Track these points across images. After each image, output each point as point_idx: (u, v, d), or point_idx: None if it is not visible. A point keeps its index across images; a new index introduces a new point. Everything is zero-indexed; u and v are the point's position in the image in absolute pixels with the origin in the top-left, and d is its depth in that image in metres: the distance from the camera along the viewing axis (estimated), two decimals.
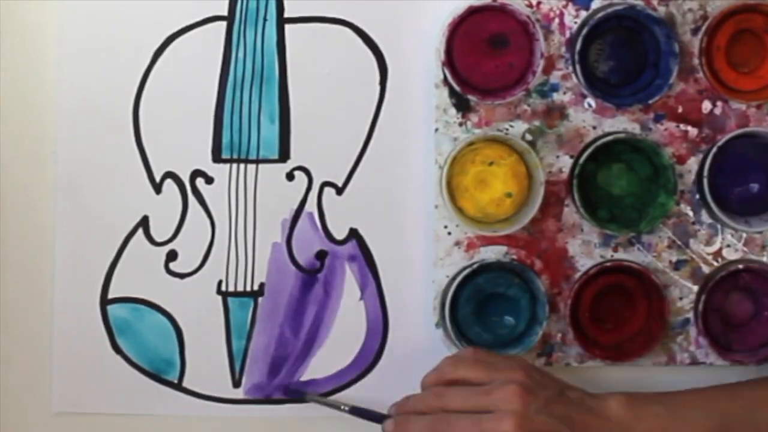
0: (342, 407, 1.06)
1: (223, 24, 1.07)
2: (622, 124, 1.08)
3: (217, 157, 1.08)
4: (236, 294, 1.08)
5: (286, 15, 1.07)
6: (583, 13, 1.07)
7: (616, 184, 1.08)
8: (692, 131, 1.08)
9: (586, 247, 1.08)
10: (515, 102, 1.07)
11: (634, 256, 1.08)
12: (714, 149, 1.07)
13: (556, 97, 1.08)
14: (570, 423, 0.97)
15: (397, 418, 1.00)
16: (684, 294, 1.09)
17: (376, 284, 1.09)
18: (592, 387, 1.09)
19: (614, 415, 0.99)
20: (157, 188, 1.07)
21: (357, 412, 1.05)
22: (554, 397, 0.98)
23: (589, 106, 1.08)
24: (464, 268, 1.07)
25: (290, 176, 1.08)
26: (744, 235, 1.09)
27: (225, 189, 1.08)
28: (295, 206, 1.08)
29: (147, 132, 1.07)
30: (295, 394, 1.08)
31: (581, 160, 1.07)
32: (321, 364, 1.09)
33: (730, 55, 1.08)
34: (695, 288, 1.09)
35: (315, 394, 1.08)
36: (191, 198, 1.08)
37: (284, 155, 1.08)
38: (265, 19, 1.07)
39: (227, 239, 1.08)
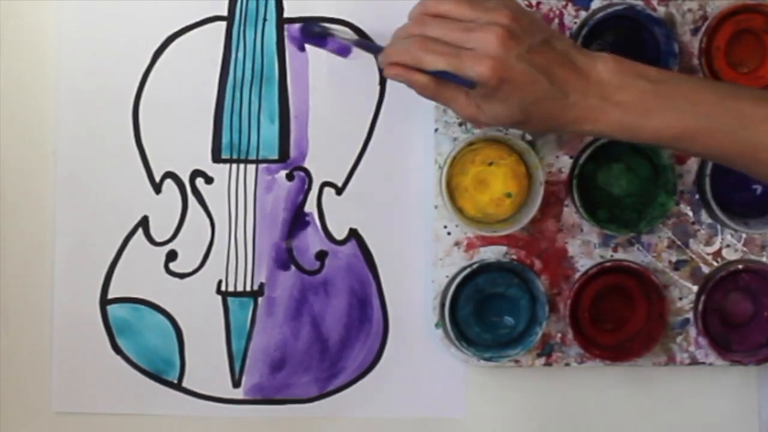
0: (347, 35, 1.05)
1: (223, 24, 1.07)
2: None
3: (217, 157, 1.08)
4: (236, 294, 1.08)
5: (286, 15, 1.07)
6: (583, 13, 1.07)
7: (616, 185, 1.08)
8: None
9: (585, 247, 1.08)
10: None
11: (633, 256, 1.08)
12: None
13: None
14: (549, 75, 0.91)
15: (385, 47, 0.95)
16: (684, 294, 1.09)
17: (376, 284, 1.09)
18: (592, 387, 1.09)
19: (597, 77, 0.92)
20: (157, 188, 1.07)
21: (359, 43, 1.04)
22: (538, 45, 0.92)
23: None
24: (464, 268, 1.07)
25: (290, 176, 1.08)
26: (744, 235, 1.09)
27: (225, 189, 1.08)
28: (295, 206, 1.08)
29: (147, 132, 1.07)
30: (314, 31, 1.07)
31: (581, 160, 1.07)
32: (321, 364, 1.09)
33: (730, 55, 1.08)
34: (695, 288, 1.09)
35: (327, 28, 1.07)
36: (191, 198, 1.08)
37: (284, 155, 1.08)
38: (264, 20, 1.07)
39: (227, 239, 1.08)
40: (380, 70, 1.00)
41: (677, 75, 1.01)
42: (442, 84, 0.92)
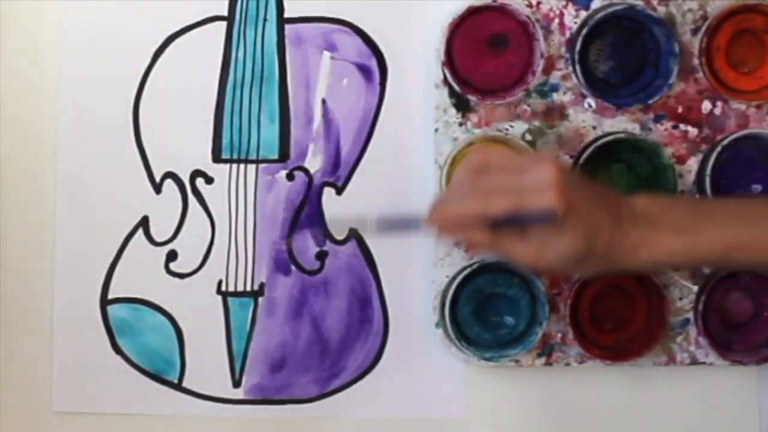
0: (369, 224, 0.99)
1: (223, 24, 1.07)
2: (622, 124, 1.08)
3: (217, 157, 1.08)
4: (236, 294, 1.08)
5: (286, 15, 1.07)
6: (583, 13, 1.07)
7: (616, 184, 1.08)
8: (692, 131, 1.08)
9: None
10: (515, 102, 1.07)
11: None
12: (718, 148, 1.07)
13: (556, 97, 1.08)
14: (603, 204, 0.92)
15: (433, 208, 0.94)
16: (684, 294, 1.09)
17: (376, 284, 1.09)
18: (592, 387, 1.09)
19: (639, 209, 0.93)
20: (157, 188, 1.08)
21: (385, 223, 0.98)
22: (584, 180, 0.95)
23: (589, 106, 1.08)
24: (464, 268, 1.07)
25: (290, 176, 1.08)
26: None
27: (225, 189, 1.08)
28: (295, 206, 1.08)
29: (147, 132, 1.07)
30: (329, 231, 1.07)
31: (581, 160, 1.07)
32: (321, 364, 1.09)
33: (730, 55, 1.08)
34: (695, 288, 1.09)
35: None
36: (191, 198, 1.08)
37: (284, 155, 1.08)
38: (265, 20, 1.07)
39: (227, 239, 1.08)
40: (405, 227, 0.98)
41: (708, 199, 1.04)
42: (497, 236, 0.91)
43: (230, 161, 1.08)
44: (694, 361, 1.09)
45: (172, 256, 1.08)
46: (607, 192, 0.95)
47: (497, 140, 1.07)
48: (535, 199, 0.89)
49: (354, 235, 1.08)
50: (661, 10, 1.07)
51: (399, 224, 0.97)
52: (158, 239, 1.08)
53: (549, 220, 0.89)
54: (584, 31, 1.06)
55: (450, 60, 1.06)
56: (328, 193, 1.09)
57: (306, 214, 1.08)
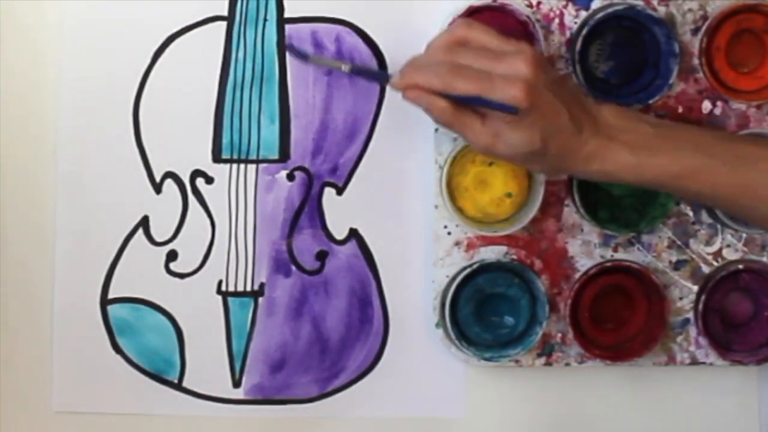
0: (342, 67, 1.03)
1: (223, 24, 1.07)
2: None
3: (217, 157, 1.08)
4: (236, 294, 1.08)
5: (286, 15, 1.07)
6: (583, 13, 1.07)
7: (616, 185, 1.08)
8: None
9: (586, 247, 1.08)
10: None
11: (634, 256, 1.08)
12: None
13: None
14: (568, 108, 0.95)
15: (403, 70, 0.97)
16: (684, 294, 1.09)
17: (376, 284, 1.09)
18: (592, 387, 1.09)
19: (604, 119, 0.97)
20: (157, 188, 1.08)
21: (357, 71, 1.03)
22: (559, 80, 0.97)
23: None
24: (464, 268, 1.07)
25: (290, 176, 1.08)
26: (744, 235, 1.09)
27: (225, 189, 1.08)
28: (295, 206, 1.08)
29: (147, 132, 1.07)
30: (298, 53, 1.05)
31: None
32: (321, 364, 1.09)
33: (730, 55, 1.08)
34: (695, 288, 1.09)
35: (318, 56, 1.06)
36: (191, 198, 1.08)
37: (284, 155, 1.08)
38: (265, 20, 1.07)
39: (227, 239, 1.08)
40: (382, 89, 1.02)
41: (675, 123, 1.04)
42: (459, 111, 0.94)
43: (230, 161, 1.08)
44: (694, 361, 1.09)
45: (172, 256, 1.08)
46: (577, 95, 0.97)
47: None
48: (501, 90, 0.92)
49: (354, 235, 1.08)
50: (661, 10, 1.07)
51: (370, 74, 1.03)
52: (158, 239, 1.08)
53: (509, 112, 0.92)
54: (584, 31, 1.06)
55: None
56: (329, 193, 1.09)
57: (306, 214, 1.08)
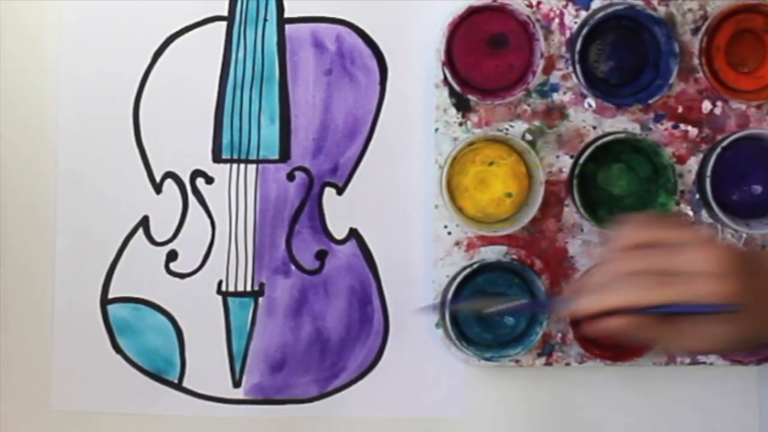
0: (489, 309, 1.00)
1: (223, 24, 1.07)
2: (622, 124, 1.08)
3: (217, 157, 1.08)
4: (236, 294, 1.08)
5: (286, 15, 1.07)
6: (583, 13, 1.07)
7: (616, 184, 1.08)
8: (692, 131, 1.08)
9: (586, 247, 1.08)
10: (515, 102, 1.07)
11: None
12: (718, 149, 1.06)
13: (556, 97, 1.08)
14: (756, 288, 0.81)
15: (582, 298, 0.83)
16: None
17: (376, 284, 1.09)
18: (592, 387, 1.09)
19: None
20: (158, 188, 1.08)
21: (524, 308, 0.99)
22: (745, 256, 0.83)
23: (589, 106, 1.08)
24: (464, 268, 1.07)
25: (290, 176, 1.08)
26: (744, 235, 1.09)
27: (225, 189, 1.08)
28: (295, 206, 1.08)
29: (147, 132, 1.07)
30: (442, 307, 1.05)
31: (581, 160, 1.07)
32: (321, 364, 1.09)
33: (730, 55, 1.08)
34: None
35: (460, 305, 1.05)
36: (191, 198, 1.08)
37: (284, 155, 1.08)
38: (265, 20, 1.07)
39: (227, 239, 1.08)
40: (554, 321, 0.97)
41: None
42: (663, 320, 0.81)
43: (230, 161, 1.08)
44: (694, 361, 1.09)
45: (172, 256, 1.08)
46: (759, 274, 0.83)
47: (497, 140, 1.07)
48: (700, 289, 0.79)
49: (354, 235, 1.08)
50: (661, 10, 1.07)
51: (522, 310, 1.02)
52: (158, 239, 1.08)
53: (727, 312, 0.80)
54: (584, 31, 1.06)
55: (450, 60, 1.06)
56: (329, 193, 1.09)
57: (306, 214, 1.08)
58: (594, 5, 1.07)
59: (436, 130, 1.07)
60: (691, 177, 1.08)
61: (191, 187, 1.08)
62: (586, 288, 0.84)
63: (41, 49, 1.07)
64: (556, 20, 1.07)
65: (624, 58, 1.09)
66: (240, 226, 1.08)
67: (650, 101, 1.07)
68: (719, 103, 1.08)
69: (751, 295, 0.80)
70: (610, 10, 1.06)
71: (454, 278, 1.07)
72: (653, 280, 0.80)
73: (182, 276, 1.08)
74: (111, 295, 1.08)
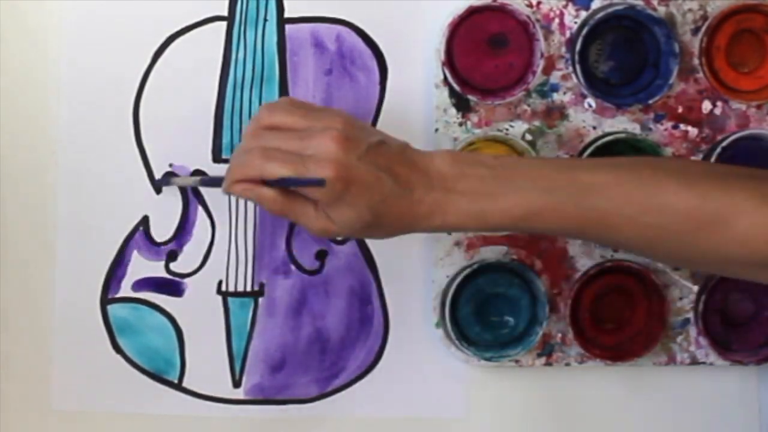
0: (192, 182, 1.05)
1: (223, 24, 1.07)
2: (622, 124, 1.08)
3: (217, 158, 1.08)
4: (236, 294, 1.08)
5: (286, 15, 1.07)
6: (583, 13, 1.07)
7: None
8: (692, 131, 1.08)
9: (586, 247, 1.08)
10: (515, 102, 1.07)
11: (634, 256, 1.08)
12: (718, 149, 1.07)
13: (556, 97, 1.08)
14: (391, 172, 0.92)
15: (227, 175, 0.95)
16: (684, 294, 1.09)
17: (376, 284, 1.09)
18: (592, 387, 1.09)
19: (437, 171, 0.93)
20: (158, 188, 1.08)
21: (205, 182, 1.04)
22: (375, 146, 0.93)
23: (589, 106, 1.08)
24: (464, 268, 1.07)
25: None
26: None
27: None
28: None
29: (147, 132, 1.07)
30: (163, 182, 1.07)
31: None
32: (321, 364, 1.09)
33: (730, 55, 1.08)
34: (695, 288, 1.09)
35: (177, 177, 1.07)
36: (191, 198, 1.08)
37: None
38: (265, 20, 1.07)
39: (227, 239, 1.08)
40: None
41: (515, 158, 1.02)
42: (290, 198, 0.93)
43: None
44: (694, 361, 1.09)
45: (172, 256, 1.08)
46: (400, 154, 0.94)
47: (497, 140, 1.07)
48: (312, 170, 0.90)
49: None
50: (661, 10, 1.07)
51: (212, 182, 1.03)
52: (158, 239, 1.08)
53: (318, 185, 0.90)
54: (584, 31, 1.06)
55: (450, 60, 1.06)
56: None
57: None
58: (594, 5, 1.07)
59: (436, 130, 1.07)
60: None
61: (191, 186, 1.08)
62: (231, 161, 0.95)
63: (41, 50, 1.06)
64: (556, 20, 1.07)
65: (624, 58, 1.09)
66: (240, 226, 1.08)
67: (650, 101, 1.07)
68: (719, 103, 1.08)
69: (361, 183, 0.91)
70: (610, 10, 1.06)
71: (454, 278, 1.07)
72: (278, 157, 0.91)
73: (182, 276, 1.08)
74: (111, 295, 1.08)
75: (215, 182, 0.99)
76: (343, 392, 1.09)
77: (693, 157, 1.08)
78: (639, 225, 0.92)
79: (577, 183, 0.93)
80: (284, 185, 0.92)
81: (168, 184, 1.06)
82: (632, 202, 0.92)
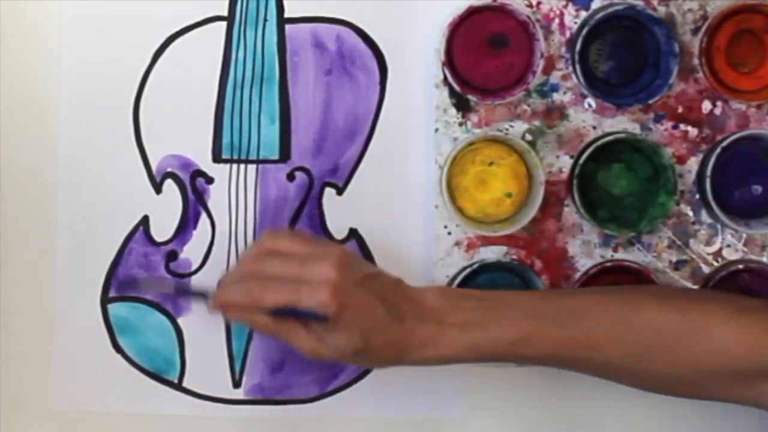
0: (166, 287, 1.06)
1: (223, 24, 1.07)
2: (622, 124, 1.08)
3: (217, 158, 1.08)
4: None
5: (286, 15, 1.07)
6: (583, 13, 1.07)
7: (616, 184, 1.08)
8: (692, 131, 1.08)
9: (586, 247, 1.08)
10: (515, 102, 1.07)
11: (634, 256, 1.08)
12: (718, 149, 1.07)
13: (556, 97, 1.08)
14: (384, 301, 0.95)
15: (216, 291, 0.99)
16: None
17: None
18: (592, 387, 1.09)
19: (429, 304, 0.97)
20: (158, 188, 1.08)
21: (181, 291, 1.05)
22: (372, 276, 0.96)
23: (589, 106, 1.08)
24: (464, 268, 1.07)
25: (290, 176, 1.08)
26: (744, 235, 1.09)
27: (225, 189, 1.08)
28: (295, 206, 1.08)
29: (147, 132, 1.07)
30: (127, 285, 1.07)
31: (581, 160, 1.07)
32: (321, 365, 1.09)
33: (730, 55, 1.08)
34: (695, 288, 1.09)
35: (145, 278, 1.07)
36: (191, 198, 1.08)
37: (284, 155, 1.08)
38: (265, 20, 1.07)
39: (227, 239, 1.08)
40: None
41: (499, 291, 1.04)
42: (281, 321, 0.95)
43: (230, 161, 1.08)
44: None
45: (172, 256, 1.08)
46: (394, 286, 0.97)
47: (497, 140, 1.07)
48: (309, 296, 0.93)
49: (354, 235, 1.08)
50: (661, 10, 1.07)
51: (191, 294, 1.05)
52: (158, 239, 1.08)
53: (320, 320, 0.93)
54: (584, 31, 1.06)
55: (450, 60, 1.07)
56: (329, 193, 1.09)
57: (306, 214, 1.08)
58: (594, 5, 1.07)
59: (436, 130, 1.07)
60: (691, 177, 1.08)
61: (191, 187, 1.08)
62: (223, 281, 0.99)
63: (41, 50, 1.07)
64: (556, 20, 1.07)
65: (624, 58, 1.09)
66: (240, 227, 1.08)
67: (650, 101, 1.07)
68: (719, 103, 1.08)
69: (355, 310, 0.93)
70: (610, 10, 1.06)
71: (454, 278, 1.07)
72: (275, 286, 0.93)
73: (182, 276, 1.08)
74: (111, 295, 1.08)
75: (196, 294, 1.01)
76: (343, 392, 1.09)
77: (693, 158, 1.08)
78: (623, 343, 0.97)
79: (562, 308, 0.98)
80: (286, 314, 0.94)
81: (135, 287, 1.07)
82: (615, 321, 0.97)
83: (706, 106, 1.08)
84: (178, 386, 1.08)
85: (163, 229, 1.08)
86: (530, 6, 1.07)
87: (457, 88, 1.06)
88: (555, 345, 0.97)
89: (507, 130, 1.07)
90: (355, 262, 0.97)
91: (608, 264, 1.08)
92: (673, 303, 0.99)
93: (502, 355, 0.98)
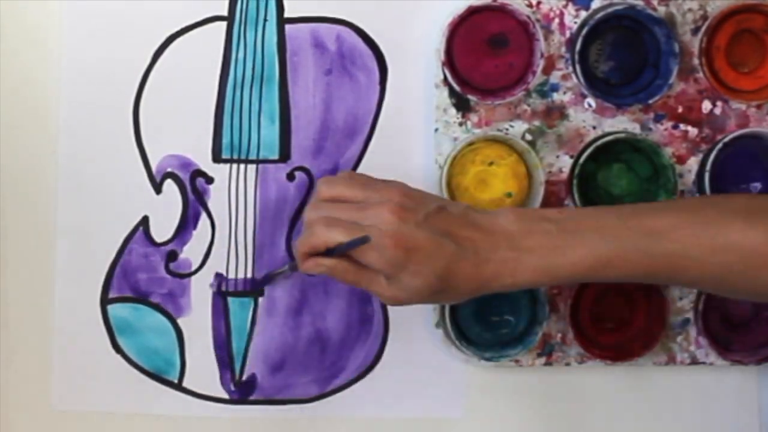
0: (284, 270, 1.05)
1: (223, 24, 1.07)
2: (622, 124, 1.08)
3: (217, 157, 1.08)
4: (236, 294, 1.08)
5: (286, 15, 1.07)
6: (583, 13, 1.07)
7: (616, 184, 1.08)
8: (692, 131, 1.08)
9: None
10: (515, 102, 1.07)
11: None
12: (719, 146, 1.06)
13: (556, 97, 1.08)
14: (453, 236, 0.93)
15: (296, 252, 0.98)
16: (684, 294, 1.09)
17: None
18: (592, 387, 1.09)
19: (502, 230, 0.94)
20: (158, 188, 1.08)
21: (293, 267, 1.03)
22: (434, 213, 0.94)
23: (589, 106, 1.08)
24: None
25: (290, 176, 1.08)
26: None
27: (225, 189, 1.08)
28: (295, 206, 1.08)
29: (147, 132, 1.07)
30: (266, 281, 1.08)
31: (581, 160, 1.07)
32: (321, 364, 1.09)
33: (730, 55, 1.08)
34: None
35: (270, 271, 1.07)
36: (191, 198, 1.08)
37: (284, 155, 1.08)
38: (265, 20, 1.07)
39: (227, 239, 1.08)
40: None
41: (578, 209, 1.02)
42: (362, 269, 0.94)
43: (230, 161, 1.08)
44: (694, 361, 1.09)
45: (172, 256, 1.08)
46: (461, 217, 0.94)
47: (497, 140, 1.07)
48: (372, 248, 0.92)
49: None
50: (661, 10, 1.07)
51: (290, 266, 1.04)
52: (158, 239, 1.08)
53: (363, 243, 0.92)
54: (584, 31, 1.06)
55: (450, 60, 1.07)
56: None
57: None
58: (594, 5, 1.07)
59: (436, 130, 1.07)
60: (691, 177, 1.08)
61: (191, 187, 1.08)
62: (298, 239, 0.97)
63: (41, 49, 1.07)
64: (556, 20, 1.07)
65: (624, 58, 1.09)
66: (240, 226, 1.08)
67: (650, 101, 1.07)
68: (719, 103, 1.08)
69: (423, 251, 0.91)
70: (610, 10, 1.06)
71: None
72: (340, 225, 0.93)
73: (182, 276, 1.08)
74: (111, 295, 1.08)
75: (295, 266, 1.00)
76: (343, 392, 1.09)
77: (693, 158, 1.08)
78: (706, 265, 0.93)
79: (642, 229, 0.94)
80: (338, 252, 0.93)
81: (270, 281, 1.08)
82: (699, 243, 0.93)
83: (706, 106, 1.08)
84: (178, 386, 1.08)
85: (163, 229, 1.08)
86: (530, 6, 1.07)
87: (457, 88, 1.06)
88: (636, 268, 0.93)
89: (507, 130, 1.07)
90: (416, 203, 0.94)
91: None
92: (761, 225, 0.93)
93: (582, 278, 0.95)
